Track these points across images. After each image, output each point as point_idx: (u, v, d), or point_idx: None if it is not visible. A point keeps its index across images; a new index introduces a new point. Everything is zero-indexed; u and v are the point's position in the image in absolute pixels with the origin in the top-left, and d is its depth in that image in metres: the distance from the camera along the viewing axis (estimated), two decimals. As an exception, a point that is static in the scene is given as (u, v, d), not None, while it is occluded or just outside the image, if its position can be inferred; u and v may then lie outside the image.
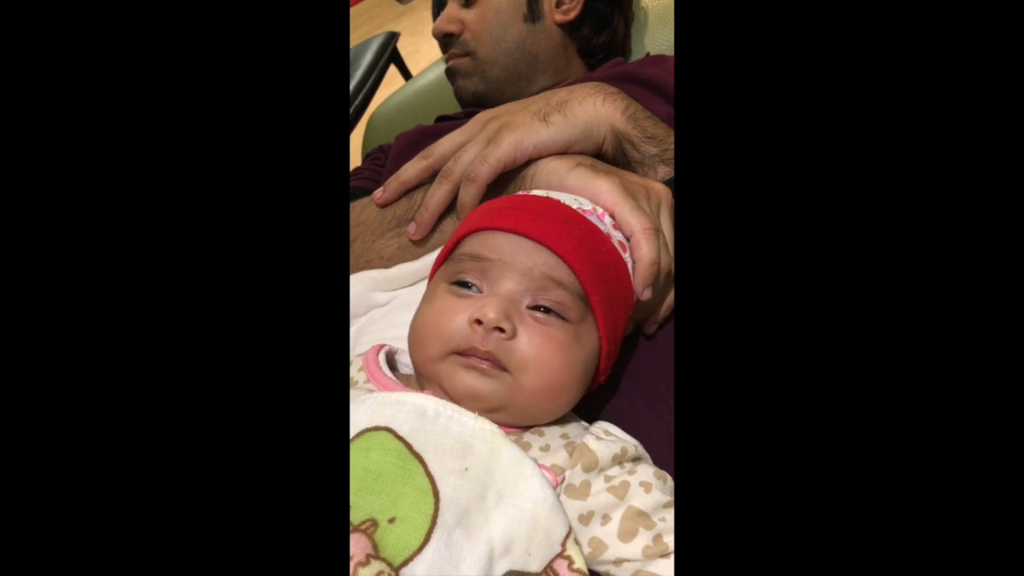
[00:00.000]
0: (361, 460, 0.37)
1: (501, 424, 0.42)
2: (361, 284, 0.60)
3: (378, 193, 0.65)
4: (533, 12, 0.89)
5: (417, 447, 0.38)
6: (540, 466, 0.40)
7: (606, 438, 0.43)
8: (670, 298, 0.54)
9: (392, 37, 1.96)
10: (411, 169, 0.63)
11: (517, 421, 0.44)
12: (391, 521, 0.35)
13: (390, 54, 1.92)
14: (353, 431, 0.39)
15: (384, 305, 0.61)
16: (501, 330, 0.42)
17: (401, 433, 0.39)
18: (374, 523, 0.35)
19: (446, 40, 0.93)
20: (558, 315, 0.44)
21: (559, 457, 0.42)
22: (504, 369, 0.42)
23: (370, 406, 0.41)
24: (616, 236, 0.49)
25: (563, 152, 0.58)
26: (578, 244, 0.45)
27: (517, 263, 0.44)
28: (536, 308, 0.43)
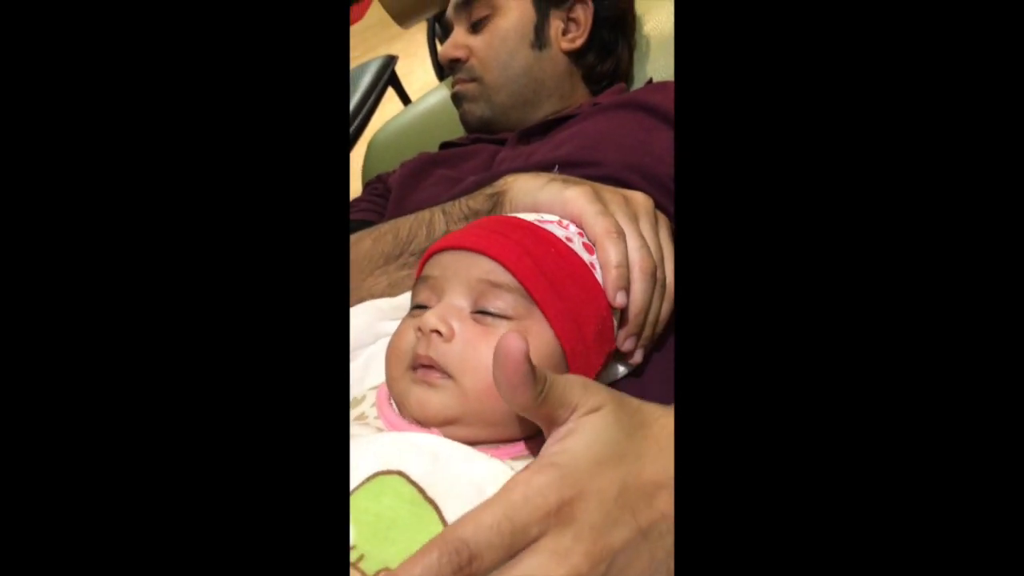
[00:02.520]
0: (373, 506, 0.36)
1: (468, 439, 0.41)
2: (367, 314, 0.58)
3: None
4: (540, 40, 0.89)
5: (431, 493, 0.37)
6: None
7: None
8: (663, 310, 0.51)
9: (391, 60, 1.96)
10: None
11: (483, 435, 0.42)
12: None
13: (388, 77, 1.93)
14: (363, 474, 0.38)
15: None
16: (439, 333, 0.42)
17: (414, 477, 0.37)
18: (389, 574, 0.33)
19: (452, 65, 0.93)
20: (503, 316, 0.44)
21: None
22: (450, 376, 0.42)
23: (379, 447, 0.39)
24: (582, 239, 0.50)
25: None
26: (515, 245, 0.46)
27: (458, 274, 0.45)
28: (481, 313, 0.44)
